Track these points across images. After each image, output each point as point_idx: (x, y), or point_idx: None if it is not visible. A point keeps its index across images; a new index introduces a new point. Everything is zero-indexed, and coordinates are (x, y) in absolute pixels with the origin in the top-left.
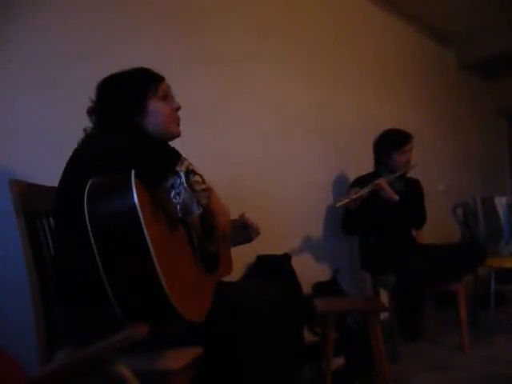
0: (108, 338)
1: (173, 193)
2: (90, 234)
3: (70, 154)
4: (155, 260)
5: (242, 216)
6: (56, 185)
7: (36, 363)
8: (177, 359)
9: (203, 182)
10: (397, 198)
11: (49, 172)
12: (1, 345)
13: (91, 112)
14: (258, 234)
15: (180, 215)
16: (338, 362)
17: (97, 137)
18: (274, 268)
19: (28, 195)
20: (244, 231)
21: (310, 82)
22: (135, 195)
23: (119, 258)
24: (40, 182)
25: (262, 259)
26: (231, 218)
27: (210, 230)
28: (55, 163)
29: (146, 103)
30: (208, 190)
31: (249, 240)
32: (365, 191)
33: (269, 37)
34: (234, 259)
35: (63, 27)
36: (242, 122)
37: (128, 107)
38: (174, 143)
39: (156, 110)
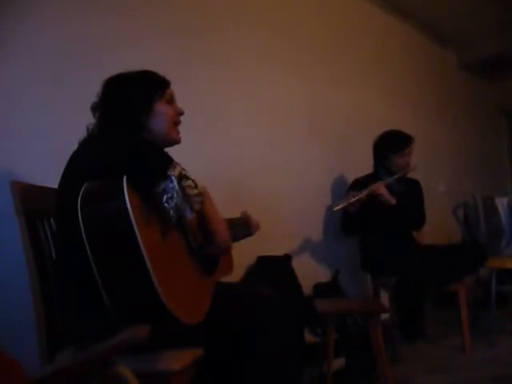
0: (109, 340)
1: (165, 197)
2: (84, 237)
3: (71, 155)
4: (148, 263)
5: (244, 213)
6: (56, 186)
7: (37, 365)
8: (177, 360)
9: (196, 186)
10: (394, 201)
11: (49, 173)
12: (2, 346)
13: (95, 108)
14: (257, 228)
15: (173, 220)
16: (339, 363)
17: (97, 137)
18: (275, 269)
19: (29, 196)
20: (245, 227)
21: (309, 83)
22: (127, 198)
23: (112, 262)
24: (40, 183)
25: (262, 260)
26: (231, 217)
27: (207, 231)
28: (56, 164)
29: (153, 104)
30: (201, 195)
31: (249, 234)
32: (362, 195)
33: (267, 37)
34: (235, 260)
35: (63, 28)
36: (241, 122)
37: (136, 106)
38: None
39: (162, 112)
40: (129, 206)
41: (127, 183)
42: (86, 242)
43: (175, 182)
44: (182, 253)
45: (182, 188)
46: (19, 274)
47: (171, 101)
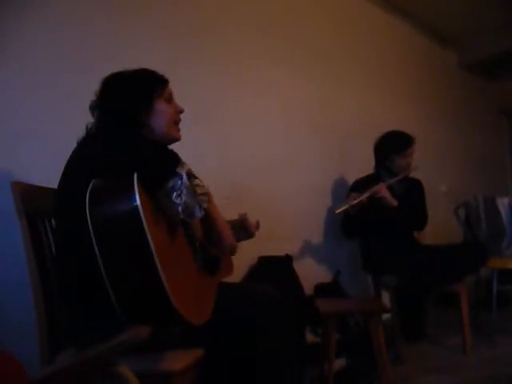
0: (110, 340)
1: (174, 194)
2: (92, 236)
3: (70, 154)
4: (157, 262)
5: (243, 215)
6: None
7: (38, 365)
8: (178, 360)
9: (202, 186)
10: (395, 203)
11: (50, 173)
12: (3, 346)
13: (94, 107)
14: (258, 228)
15: (182, 217)
16: (340, 363)
17: (97, 137)
18: (276, 269)
19: (30, 196)
20: (244, 230)
21: (311, 83)
22: (138, 197)
23: (121, 260)
24: (41, 184)
25: (263, 260)
26: (231, 218)
27: (210, 232)
28: (56, 165)
29: (153, 102)
30: (208, 195)
31: (250, 236)
32: (364, 197)
33: (270, 37)
34: (236, 260)
35: (64, 28)
36: (243, 122)
37: (135, 105)
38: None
39: (161, 110)
40: (139, 204)
41: (138, 181)
42: (93, 241)
43: (185, 179)
44: (188, 253)
45: (192, 185)
46: (20, 274)
47: (170, 99)
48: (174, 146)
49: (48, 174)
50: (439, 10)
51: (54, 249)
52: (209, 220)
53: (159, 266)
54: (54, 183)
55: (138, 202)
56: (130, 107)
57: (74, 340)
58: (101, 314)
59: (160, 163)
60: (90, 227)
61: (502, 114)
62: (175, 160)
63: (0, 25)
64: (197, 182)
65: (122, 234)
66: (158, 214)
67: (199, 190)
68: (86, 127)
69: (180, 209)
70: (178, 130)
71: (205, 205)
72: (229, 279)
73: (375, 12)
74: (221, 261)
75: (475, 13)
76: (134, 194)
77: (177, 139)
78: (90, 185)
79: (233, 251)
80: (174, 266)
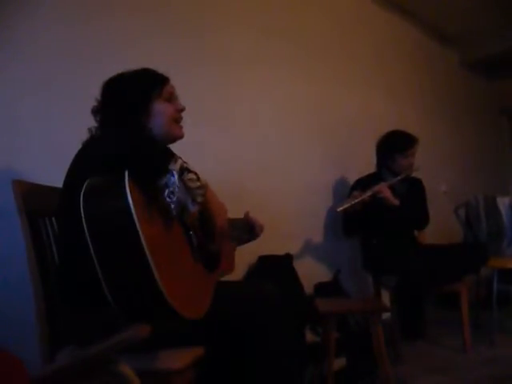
0: (110, 338)
1: (166, 191)
2: (87, 234)
3: (72, 154)
4: (149, 258)
5: (246, 215)
6: (58, 185)
7: (38, 363)
8: (177, 359)
9: (198, 179)
10: (397, 203)
11: (51, 172)
12: (3, 345)
13: (96, 111)
14: (262, 229)
15: (174, 213)
16: (340, 362)
17: (98, 137)
18: (276, 268)
19: (30, 195)
20: (249, 230)
21: (311, 82)
22: (129, 195)
23: (114, 258)
24: (42, 183)
25: (263, 259)
26: (233, 216)
27: (208, 229)
28: (57, 164)
29: (150, 105)
30: (203, 188)
31: (255, 237)
32: (366, 196)
33: (269, 36)
34: (236, 259)
35: (65, 28)
36: (244, 122)
37: (133, 108)
38: (175, 143)
39: (160, 111)
40: (130, 201)
41: (129, 178)
42: (88, 238)
43: (176, 177)
44: (185, 248)
45: (183, 182)
46: (21, 273)
47: (171, 98)
48: (175, 146)
49: (49, 172)
50: (440, 8)
51: (54, 248)
52: (205, 210)
53: (152, 262)
54: (54, 181)
55: (130, 198)
56: (129, 111)
57: (74, 338)
58: (101, 312)
59: (152, 160)
60: (85, 225)
61: (502, 114)
62: (167, 157)
63: (0, 24)
64: (190, 176)
65: (114, 232)
66: (151, 210)
67: (193, 185)
68: (90, 130)
69: (173, 206)
70: (180, 128)
71: (199, 198)
72: (229, 277)
73: (375, 11)
74: (222, 258)
75: (476, 12)
76: (125, 191)
77: (178, 137)
78: (85, 184)
79: (223, 234)
80: (170, 262)
